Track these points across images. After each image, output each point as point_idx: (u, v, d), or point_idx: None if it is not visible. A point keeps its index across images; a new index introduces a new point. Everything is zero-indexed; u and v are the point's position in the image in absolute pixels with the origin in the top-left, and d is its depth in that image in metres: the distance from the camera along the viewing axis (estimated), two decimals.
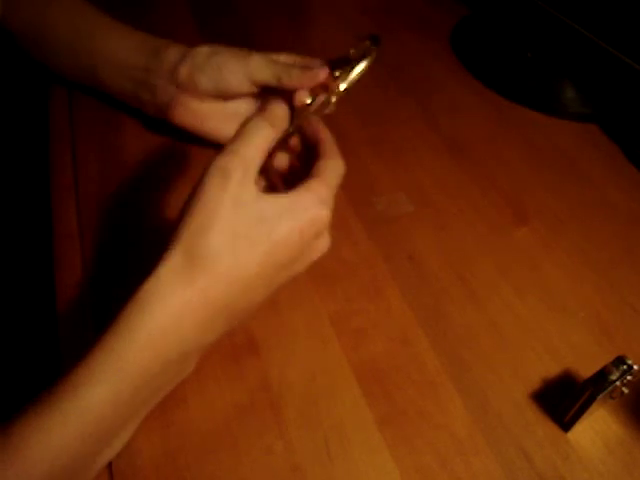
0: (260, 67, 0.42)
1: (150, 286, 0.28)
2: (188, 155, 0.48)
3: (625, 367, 0.31)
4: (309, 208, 0.30)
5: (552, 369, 0.37)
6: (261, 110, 0.32)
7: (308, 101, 0.38)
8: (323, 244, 0.32)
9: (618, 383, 0.31)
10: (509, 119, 0.57)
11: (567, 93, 0.59)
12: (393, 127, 0.54)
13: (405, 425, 0.33)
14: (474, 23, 0.69)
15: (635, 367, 0.31)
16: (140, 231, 0.42)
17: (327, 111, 0.37)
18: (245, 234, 0.28)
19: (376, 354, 0.36)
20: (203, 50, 0.44)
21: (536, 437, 0.33)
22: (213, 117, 0.46)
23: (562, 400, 0.33)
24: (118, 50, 0.47)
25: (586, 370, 0.33)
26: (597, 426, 0.34)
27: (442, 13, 0.71)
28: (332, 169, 0.32)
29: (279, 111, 0.32)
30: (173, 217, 0.43)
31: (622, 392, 0.32)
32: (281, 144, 0.34)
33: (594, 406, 0.32)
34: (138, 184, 0.45)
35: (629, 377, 0.31)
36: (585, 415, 0.32)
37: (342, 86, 0.38)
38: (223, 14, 0.66)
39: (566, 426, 0.34)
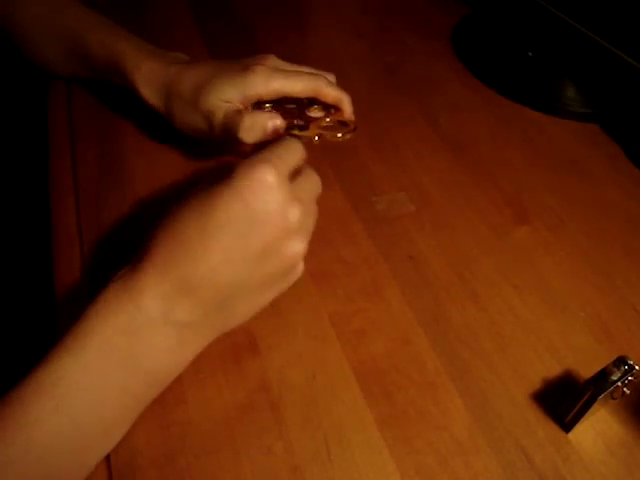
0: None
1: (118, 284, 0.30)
2: (188, 154, 0.48)
3: (626, 367, 0.31)
4: (242, 173, 0.29)
5: (553, 369, 0.36)
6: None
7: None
8: (309, 226, 0.32)
9: (619, 383, 0.31)
10: (510, 119, 0.57)
11: (568, 92, 0.59)
12: (393, 127, 0.54)
13: (405, 425, 0.33)
14: (475, 22, 0.69)
15: (636, 367, 0.31)
16: (140, 231, 0.42)
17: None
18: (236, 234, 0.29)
19: (376, 354, 0.36)
20: (184, 91, 0.43)
21: (537, 437, 0.33)
22: None
23: (563, 400, 0.33)
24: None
25: (587, 370, 0.33)
26: (598, 427, 0.34)
27: (442, 13, 0.71)
28: (282, 144, 0.33)
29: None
30: None
31: (623, 392, 0.32)
32: None
33: (595, 406, 0.31)
34: (138, 184, 0.45)
35: (630, 377, 0.31)
36: (586, 415, 0.32)
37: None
38: (223, 14, 0.66)
39: (567, 426, 0.33)
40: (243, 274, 0.30)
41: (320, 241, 0.43)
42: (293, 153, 0.33)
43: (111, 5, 0.58)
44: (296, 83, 0.42)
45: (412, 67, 0.62)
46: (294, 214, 0.30)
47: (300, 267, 0.33)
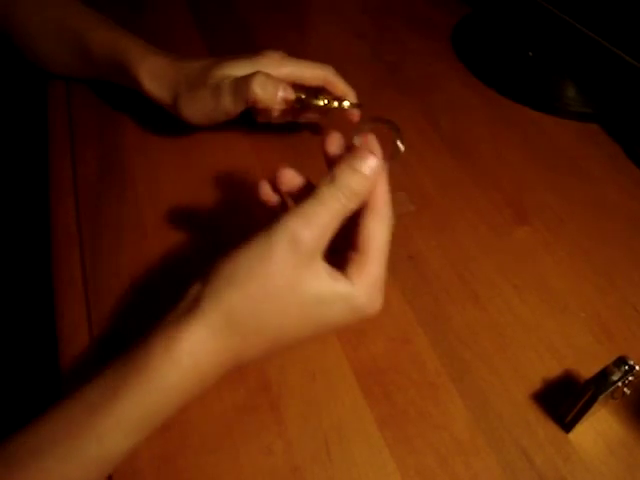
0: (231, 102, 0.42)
1: (184, 346, 0.27)
2: (189, 154, 0.48)
3: (627, 367, 0.31)
4: (365, 306, 0.29)
5: (553, 369, 0.36)
6: (331, 171, 0.29)
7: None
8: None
9: (619, 383, 0.31)
10: (510, 118, 0.57)
11: (568, 92, 0.59)
12: None
13: (405, 425, 0.33)
14: (475, 22, 0.69)
15: (637, 367, 0.31)
16: (140, 230, 0.42)
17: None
18: (296, 314, 0.28)
19: (376, 354, 0.36)
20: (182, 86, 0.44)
21: (537, 438, 0.33)
22: None
23: (563, 400, 0.33)
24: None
25: (587, 370, 0.33)
26: (598, 427, 0.34)
27: (443, 12, 0.71)
28: (381, 238, 0.30)
29: (357, 187, 0.29)
30: (173, 217, 0.43)
31: (624, 392, 0.32)
32: None
33: (595, 406, 0.31)
34: (138, 184, 0.45)
35: (630, 377, 0.31)
36: (586, 416, 0.32)
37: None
38: (223, 14, 0.66)
39: (567, 427, 0.33)
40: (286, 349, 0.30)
41: None
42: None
43: (111, 5, 0.58)
44: (306, 69, 0.43)
45: (412, 67, 0.62)
46: (375, 312, 0.30)
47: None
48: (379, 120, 0.33)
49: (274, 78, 0.41)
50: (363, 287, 0.29)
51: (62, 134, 0.49)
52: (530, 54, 0.62)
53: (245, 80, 0.40)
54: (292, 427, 0.32)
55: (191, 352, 0.27)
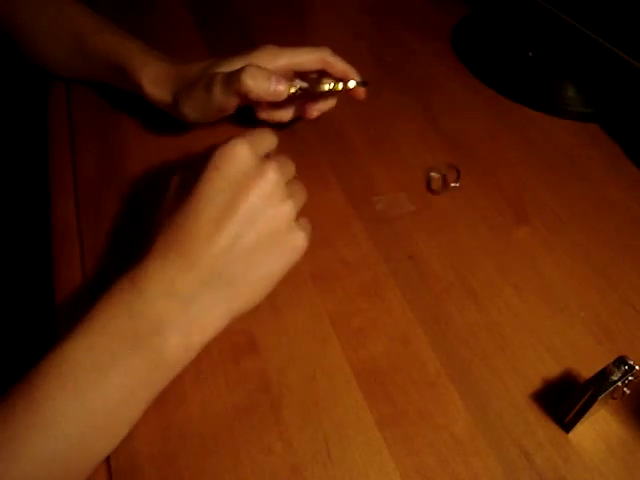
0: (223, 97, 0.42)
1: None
2: (189, 153, 0.48)
3: (626, 367, 0.31)
4: (217, 149, 0.31)
5: (553, 369, 0.36)
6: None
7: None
8: (271, 179, 0.32)
9: (619, 383, 0.31)
10: (510, 118, 0.57)
11: (568, 92, 0.59)
12: (393, 127, 0.54)
13: (405, 425, 0.33)
14: (475, 22, 0.69)
15: (636, 367, 0.31)
16: (140, 230, 0.42)
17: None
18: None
19: (376, 354, 0.36)
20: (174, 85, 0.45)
21: (537, 438, 0.33)
22: None
23: (563, 400, 0.33)
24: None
25: (587, 370, 0.33)
26: (598, 427, 0.34)
27: (442, 13, 0.71)
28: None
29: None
30: None
31: (623, 392, 0.32)
32: None
33: (595, 406, 0.31)
34: (138, 184, 0.45)
35: (630, 377, 0.31)
36: (586, 415, 0.32)
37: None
38: (223, 14, 0.66)
39: (567, 426, 0.33)
40: (235, 237, 0.31)
41: (320, 241, 0.43)
42: (267, 138, 0.35)
43: (111, 6, 0.58)
44: (303, 55, 0.43)
45: (412, 67, 0.62)
46: (271, 173, 0.32)
47: (298, 236, 0.33)
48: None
49: (265, 69, 0.41)
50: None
51: (62, 134, 0.49)
52: (530, 54, 0.62)
53: (236, 72, 0.40)
54: (292, 427, 0.32)
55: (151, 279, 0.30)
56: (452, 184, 0.41)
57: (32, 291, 0.68)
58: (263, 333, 0.37)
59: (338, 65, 0.45)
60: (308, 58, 0.44)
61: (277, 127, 0.48)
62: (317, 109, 0.47)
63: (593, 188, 0.50)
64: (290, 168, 0.36)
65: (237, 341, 0.36)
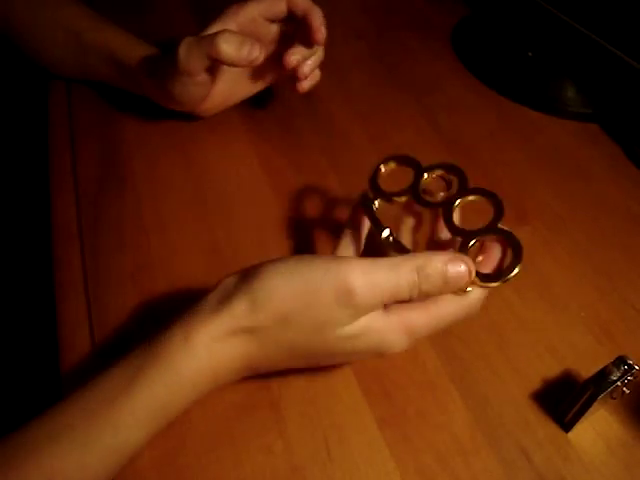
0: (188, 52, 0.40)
1: (202, 333, 0.27)
2: (189, 154, 0.48)
3: (626, 367, 0.31)
4: (386, 341, 0.28)
5: (552, 369, 0.36)
6: (424, 257, 0.27)
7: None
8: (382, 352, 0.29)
9: (619, 383, 0.31)
10: (510, 119, 0.57)
11: (568, 92, 0.59)
12: (393, 127, 0.54)
13: (405, 425, 0.33)
14: (474, 23, 0.69)
15: (636, 367, 0.31)
16: (140, 230, 0.42)
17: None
18: (321, 343, 0.28)
19: None
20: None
21: (536, 437, 0.33)
22: (233, 84, 0.46)
23: (563, 400, 0.33)
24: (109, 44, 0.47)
25: (587, 370, 0.33)
26: (598, 426, 0.34)
27: (442, 13, 0.71)
28: (455, 306, 0.28)
29: (436, 280, 0.27)
30: (173, 216, 0.43)
31: (623, 392, 0.32)
32: None
33: (595, 406, 0.31)
34: (138, 184, 0.45)
35: (630, 377, 0.31)
36: (586, 415, 0.32)
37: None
38: None
39: (567, 426, 0.33)
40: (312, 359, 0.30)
41: (320, 241, 0.43)
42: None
43: (111, 5, 0.58)
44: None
45: (412, 67, 0.62)
46: (397, 350, 0.28)
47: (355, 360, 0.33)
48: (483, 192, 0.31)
49: (240, 35, 0.39)
50: (396, 323, 0.28)
51: (62, 134, 0.49)
52: (530, 54, 0.62)
53: (209, 36, 0.39)
54: (292, 427, 0.32)
55: (209, 345, 0.27)
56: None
57: (32, 291, 0.68)
58: None
59: (299, 2, 0.42)
60: (275, 3, 0.43)
61: (274, 125, 0.48)
62: (307, 83, 0.46)
63: (593, 188, 0.50)
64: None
65: None
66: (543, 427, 0.34)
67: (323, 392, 0.34)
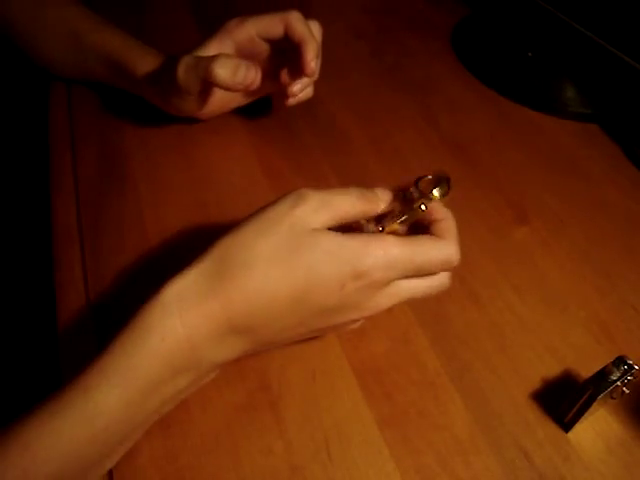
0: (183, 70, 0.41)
1: (173, 288, 0.27)
2: (189, 154, 0.48)
3: (626, 367, 0.31)
4: (361, 261, 0.27)
5: (552, 369, 0.37)
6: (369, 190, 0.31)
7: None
8: (373, 305, 0.29)
9: (619, 383, 0.31)
10: (509, 119, 0.57)
11: (567, 93, 0.59)
12: (393, 127, 0.54)
13: (405, 425, 0.33)
14: (474, 23, 0.69)
15: (636, 367, 0.31)
16: (140, 230, 0.42)
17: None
18: (285, 259, 0.27)
19: (376, 354, 0.36)
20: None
21: (536, 437, 0.33)
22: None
23: (562, 400, 0.33)
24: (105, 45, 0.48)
25: (586, 370, 0.33)
26: (598, 426, 0.34)
27: (442, 13, 0.71)
28: (434, 246, 0.29)
29: (383, 195, 0.32)
30: (173, 216, 0.43)
31: (623, 392, 0.32)
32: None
33: (595, 406, 0.31)
34: (138, 184, 0.45)
35: (629, 377, 0.31)
36: (585, 415, 0.32)
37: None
38: (223, 14, 0.66)
39: (566, 426, 0.33)
40: (299, 334, 0.30)
41: None
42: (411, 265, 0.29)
43: (111, 5, 0.58)
44: (267, 19, 0.43)
45: (412, 67, 0.62)
46: (350, 288, 0.28)
47: (343, 329, 0.32)
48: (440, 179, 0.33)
49: (236, 59, 0.40)
50: (368, 250, 0.28)
51: (63, 134, 0.49)
52: (530, 54, 0.62)
53: (206, 60, 0.40)
54: (292, 427, 0.33)
55: (175, 294, 0.27)
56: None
57: (32, 291, 0.68)
58: None
59: (297, 29, 0.42)
60: (272, 22, 0.43)
61: (274, 126, 0.48)
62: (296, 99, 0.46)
63: (593, 188, 0.50)
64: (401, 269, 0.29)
65: None
66: (543, 427, 0.34)
67: (323, 392, 0.34)
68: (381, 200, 0.31)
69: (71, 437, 0.26)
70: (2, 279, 0.73)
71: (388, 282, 0.29)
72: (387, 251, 0.28)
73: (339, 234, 0.28)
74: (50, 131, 0.50)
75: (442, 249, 0.29)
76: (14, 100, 0.73)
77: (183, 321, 0.27)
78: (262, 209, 0.29)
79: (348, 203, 0.30)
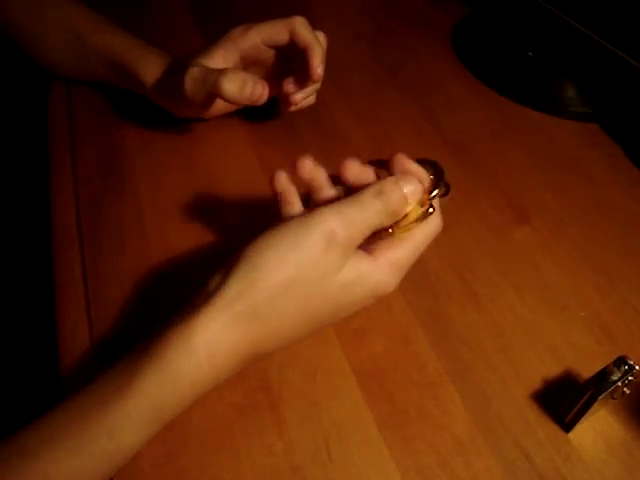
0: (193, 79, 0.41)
1: (204, 335, 0.27)
2: (189, 154, 0.48)
3: (626, 367, 0.31)
4: (381, 282, 0.31)
5: (553, 369, 0.36)
6: (379, 183, 0.31)
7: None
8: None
9: (619, 383, 0.31)
10: (510, 119, 0.57)
11: (568, 92, 0.59)
12: (393, 127, 0.54)
13: (405, 425, 0.33)
14: (475, 22, 0.69)
15: (636, 367, 0.31)
16: (140, 230, 0.42)
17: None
18: (319, 301, 0.29)
19: (376, 354, 0.36)
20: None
21: (537, 437, 0.33)
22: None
23: (563, 400, 0.33)
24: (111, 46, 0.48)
25: (587, 370, 0.33)
26: (598, 426, 0.34)
27: (442, 13, 0.71)
28: (424, 233, 0.32)
29: (398, 199, 0.31)
30: (173, 216, 0.43)
31: (623, 392, 0.32)
32: None
33: (595, 406, 0.31)
34: (138, 184, 0.45)
35: (630, 377, 0.31)
36: (586, 415, 0.32)
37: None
38: (223, 14, 0.66)
39: (567, 426, 0.33)
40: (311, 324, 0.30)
41: None
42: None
43: (111, 5, 0.58)
44: (272, 26, 0.43)
45: (412, 67, 0.62)
46: (390, 290, 0.32)
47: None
48: (424, 162, 0.35)
49: (243, 73, 0.40)
50: (384, 264, 0.31)
51: (63, 134, 0.49)
52: (530, 54, 0.62)
53: (214, 73, 0.40)
54: (292, 427, 0.32)
55: (207, 341, 0.27)
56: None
57: (31, 291, 0.68)
58: None
59: (302, 35, 0.42)
60: (277, 29, 0.43)
61: (274, 126, 0.48)
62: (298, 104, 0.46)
63: (593, 188, 0.50)
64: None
65: None
66: (543, 427, 0.34)
67: (323, 392, 0.34)
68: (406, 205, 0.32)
69: (91, 472, 0.26)
70: (2, 279, 0.73)
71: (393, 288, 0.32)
72: (399, 263, 0.32)
73: (358, 259, 0.30)
74: (50, 131, 0.50)
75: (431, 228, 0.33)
76: (14, 100, 0.73)
77: (211, 362, 0.27)
78: (291, 239, 0.28)
79: (370, 221, 0.30)
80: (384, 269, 0.31)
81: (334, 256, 0.28)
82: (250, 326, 0.28)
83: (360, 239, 0.30)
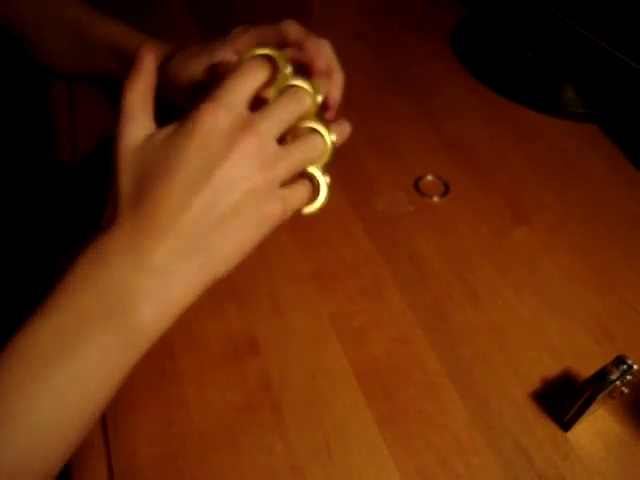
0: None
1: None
2: None
3: (625, 367, 0.31)
4: (194, 113, 0.31)
5: (552, 369, 0.37)
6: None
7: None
8: (245, 148, 0.30)
9: (618, 383, 0.31)
10: (509, 119, 0.57)
11: (567, 93, 0.59)
12: (393, 127, 0.54)
13: (405, 425, 0.33)
14: (474, 23, 0.69)
15: (635, 367, 0.31)
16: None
17: None
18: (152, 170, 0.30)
19: (376, 354, 0.36)
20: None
21: (536, 437, 0.33)
22: None
23: (562, 400, 0.33)
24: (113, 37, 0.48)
25: (586, 370, 0.33)
26: (597, 426, 0.34)
27: (442, 13, 0.71)
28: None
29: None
30: None
31: (622, 392, 0.32)
32: None
33: (594, 406, 0.32)
34: None
35: (629, 377, 0.31)
36: (585, 415, 0.32)
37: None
38: (223, 14, 0.66)
39: (566, 426, 0.34)
40: (208, 206, 0.29)
41: (320, 241, 0.43)
42: (245, 81, 0.32)
43: (111, 5, 0.58)
44: (267, 30, 0.44)
45: (412, 68, 0.62)
46: (251, 139, 0.30)
47: (274, 206, 0.31)
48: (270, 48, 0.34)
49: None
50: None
51: (64, 133, 0.49)
52: (529, 55, 0.62)
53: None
54: (292, 427, 0.33)
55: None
56: (434, 198, 0.37)
57: (32, 292, 0.68)
58: (263, 333, 0.37)
59: (293, 31, 0.44)
60: (271, 32, 0.45)
61: None
62: None
63: (592, 188, 0.50)
64: (288, 114, 0.33)
65: (237, 341, 0.36)
66: (543, 427, 0.34)
67: (323, 392, 0.34)
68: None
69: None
70: (2, 279, 0.73)
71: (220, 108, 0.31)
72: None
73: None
74: (51, 129, 0.50)
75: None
76: (15, 98, 0.73)
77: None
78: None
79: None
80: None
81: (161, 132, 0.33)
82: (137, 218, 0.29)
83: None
